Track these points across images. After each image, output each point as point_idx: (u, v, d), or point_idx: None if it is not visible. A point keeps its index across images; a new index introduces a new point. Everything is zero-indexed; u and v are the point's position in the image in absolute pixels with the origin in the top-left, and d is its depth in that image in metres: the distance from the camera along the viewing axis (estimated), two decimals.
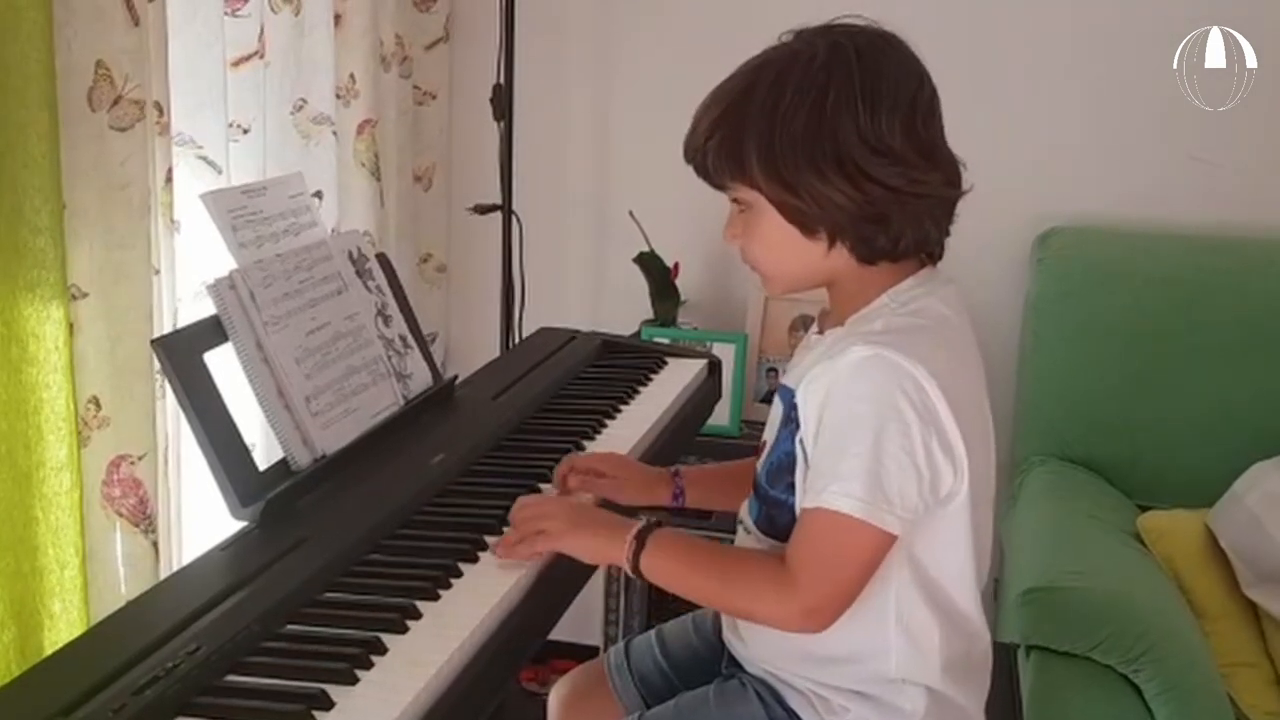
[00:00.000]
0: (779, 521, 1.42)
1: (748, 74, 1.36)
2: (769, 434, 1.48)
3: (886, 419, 1.28)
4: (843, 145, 1.30)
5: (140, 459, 1.74)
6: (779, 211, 1.35)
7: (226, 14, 2.04)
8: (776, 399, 1.48)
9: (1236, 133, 2.60)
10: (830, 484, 1.30)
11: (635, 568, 1.38)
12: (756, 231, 1.39)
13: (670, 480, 1.67)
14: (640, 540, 1.38)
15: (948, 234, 1.40)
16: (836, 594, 1.33)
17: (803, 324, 2.69)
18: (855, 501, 1.29)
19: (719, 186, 1.40)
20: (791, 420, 1.39)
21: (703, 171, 1.39)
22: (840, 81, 1.31)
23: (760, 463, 1.48)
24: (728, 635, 1.56)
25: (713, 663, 1.61)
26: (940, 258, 1.42)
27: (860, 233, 1.34)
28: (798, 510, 1.38)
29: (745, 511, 1.52)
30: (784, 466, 1.41)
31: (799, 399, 1.37)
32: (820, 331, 1.47)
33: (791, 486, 1.39)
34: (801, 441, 1.37)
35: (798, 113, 1.30)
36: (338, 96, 2.41)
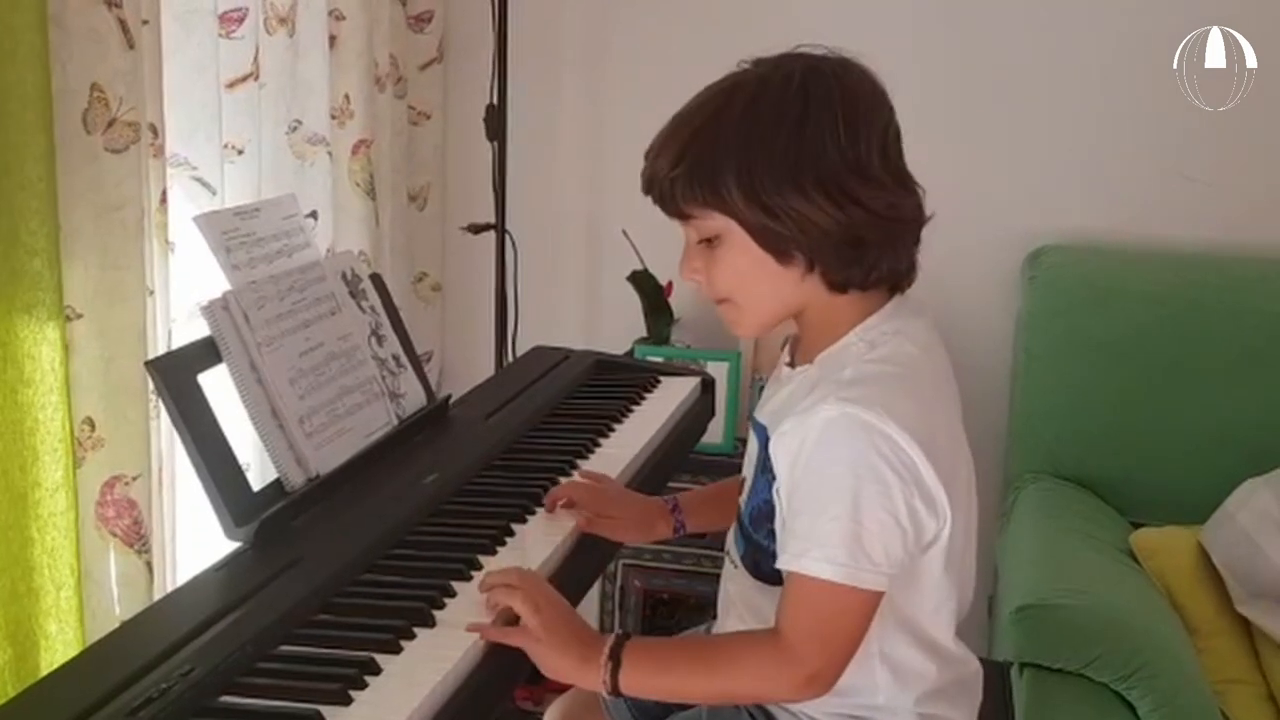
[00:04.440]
0: (763, 566, 1.40)
1: (715, 98, 1.33)
2: (747, 470, 1.47)
3: (864, 481, 1.26)
4: (824, 166, 1.28)
5: (134, 480, 1.75)
6: (753, 237, 1.31)
7: (221, 36, 2.05)
8: (752, 434, 1.46)
9: (1228, 152, 2.62)
10: (810, 549, 1.27)
11: (614, 689, 1.33)
12: (724, 262, 1.34)
13: (669, 515, 1.66)
14: (615, 658, 1.33)
15: (914, 262, 1.37)
16: (835, 657, 1.30)
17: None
18: (837, 567, 1.26)
19: (682, 217, 1.35)
20: (767, 468, 1.36)
21: (668, 201, 1.35)
22: (819, 101, 1.29)
23: (742, 500, 1.47)
24: None
25: None
26: (910, 285, 1.39)
27: (838, 256, 1.31)
28: (779, 557, 1.38)
29: (732, 543, 1.51)
30: (764, 514, 1.39)
31: (771, 450, 1.35)
32: (791, 363, 1.45)
33: (772, 533, 1.37)
34: (777, 492, 1.35)
35: (778, 134, 1.28)
36: (332, 117, 2.42)
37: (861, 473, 1.26)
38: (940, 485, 1.29)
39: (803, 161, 1.28)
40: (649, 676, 1.35)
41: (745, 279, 1.36)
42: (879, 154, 1.30)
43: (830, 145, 1.28)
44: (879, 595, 1.30)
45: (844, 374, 1.32)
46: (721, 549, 1.56)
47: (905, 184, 1.33)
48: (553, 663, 1.33)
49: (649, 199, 1.39)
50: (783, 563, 1.31)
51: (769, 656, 1.31)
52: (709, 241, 1.36)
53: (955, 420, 1.41)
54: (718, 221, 1.33)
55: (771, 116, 1.29)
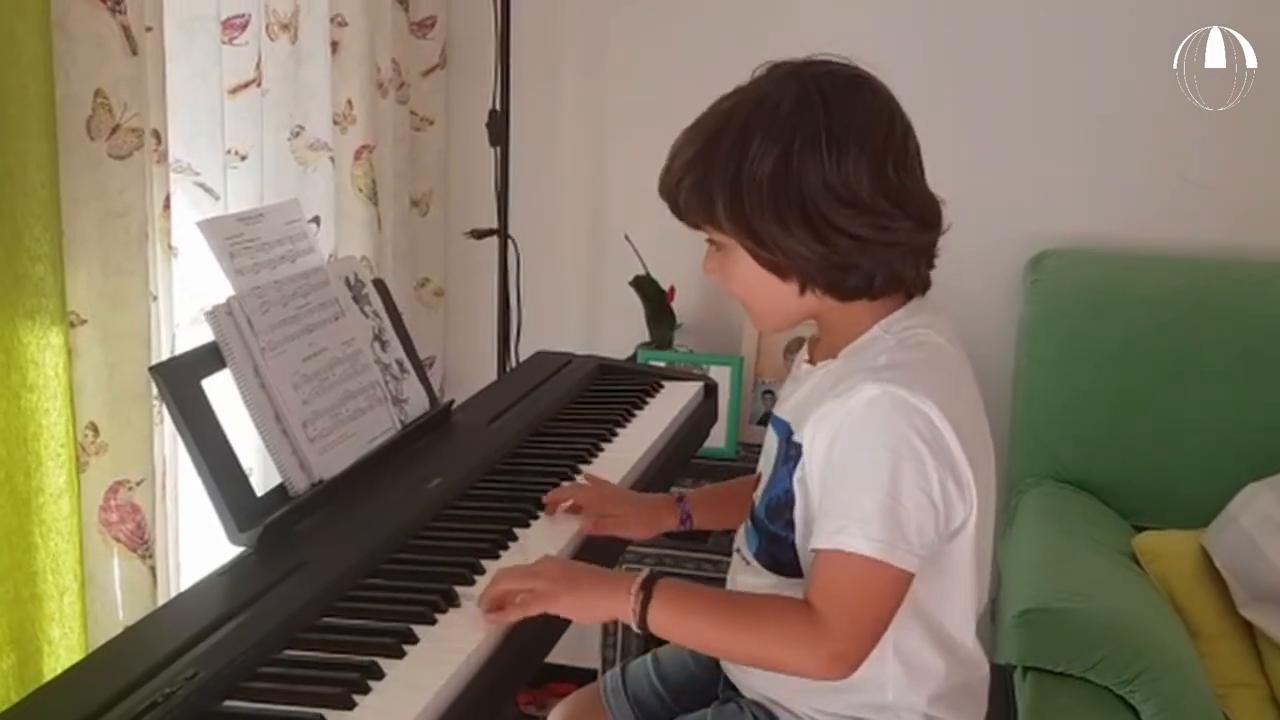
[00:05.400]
0: (780, 557, 1.42)
1: (719, 116, 1.35)
2: (764, 465, 1.48)
3: (902, 458, 1.27)
4: (808, 196, 1.29)
5: (138, 485, 1.75)
6: (751, 256, 1.35)
7: (224, 42, 2.05)
8: (771, 430, 1.47)
9: (1228, 155, 2.62)
10: (848, 525, 1.28)
11: (642, 621, 1.33)
12: (733, 271, 1.39)
13: (675, 506, 1.67)
14: (646, 591, 1.33)
15: (931, 268, 1.39)
16: (867, 636, 1.31)
17: (799, 347, 2.69)
18: (876, 543, 1.27)
19: (693, 225, 1.39)
20: (790, 457, 1.38)
21: (676, 210, 1.39)
22: (806, 130, 1.29)
23: (757, 495, 1.47)
24: (724, 661, 1.56)
25: (709, 687, 1.61)
26: (926, 289, 1.41)
27: (829, 279, 1.34)
28: (799, 547, 1.38)
29: (742, 540, 1.51)
30: (783, 504, 1.40)
31: (802, 437, 1.36)
32: (811, 360, 1.47)
33: (791, 524, 1.38)
34: (801, 481, 1.36)
35: (763, 162, 1.30)
36: (335, 123, 2.42)
37: (901, 450, 1.28)
38: (969, 468, 1.31)
39: (786, 194, 1.30)
40: (678, 617, 1.34)
41: (752, 289, 1.40)
42: (870, 177, 1.30)
43: (813, 176, 1.29)
44: (909, 577, 1.31)
45: (879, 360, 1.34)
46: (724, 554, 1.56)
47: (903, 204, 1.32)
48: (576, 603, 1.34)
49: (651, 204, 1.41)
50: (818, 541, 1.32)
51: (801, 626, 1.31)
52: (721, 247, 1.39)
53: (980, 414, 1.43)
54: (721, 235, 1.37)
55: (759, 146, 1.31)
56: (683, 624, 1.35)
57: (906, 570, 1.29)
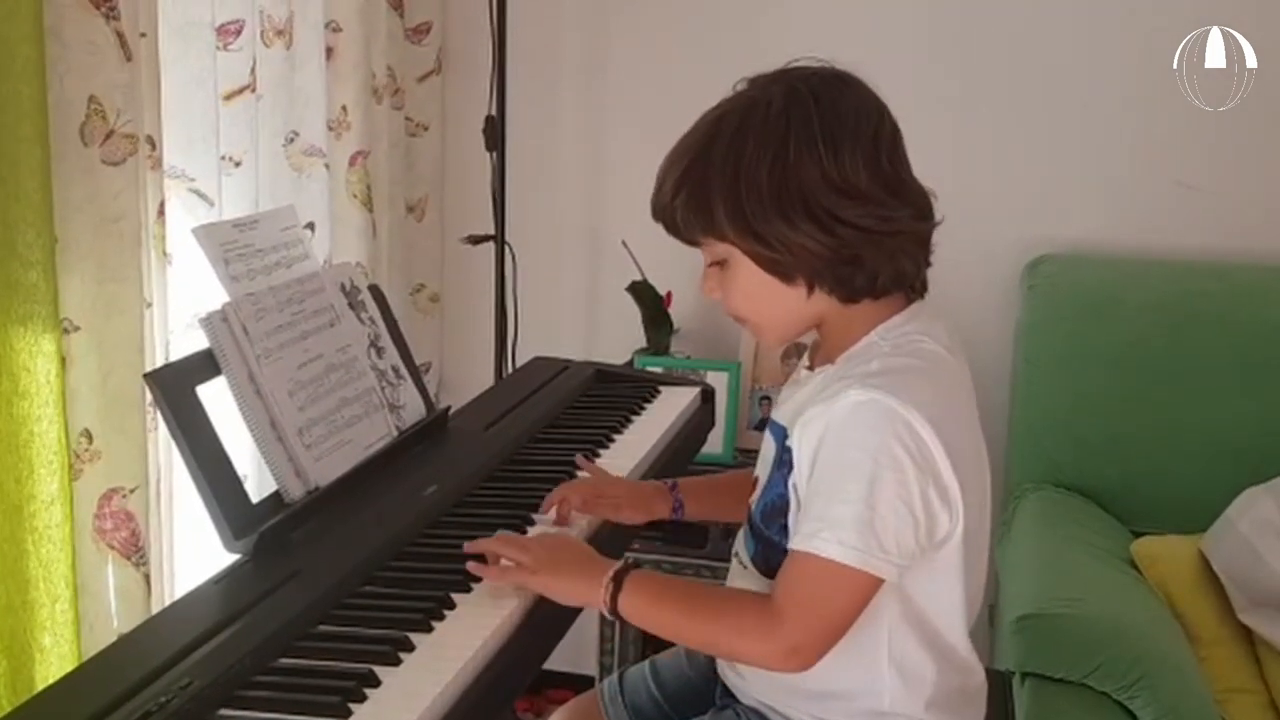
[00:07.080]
0: (774, 562, 1.40)
1: (706, 128, 1.35)
2: (761, 470, 1.48)
3: (882, 466, 1.27)
4: (809, 191, 1.29)
5: (132, 492, 1.74)
6: (754, 262, 1.34)
7: (219, 48, 2.05)
8: (768, 434, 1.47)
9: (1227, 160, 2.62)
10: (822, 529, 1.29)
11: (613, 609, 1.36)
12: (735, 284, 1.38)
13: (668, 494, 1.67)
14: (617, 582, 1.36)
15: (928, 264, 1.39)
16: (823, 634, 1.31)
17: (796, 352, 2.69)
18: (848, 549, 1.27)
19: (691, 242, 1.39)
20: (785, 462, 1.38)
21: (673, 228, 1.38)
22: (800, 127, 1.30)
23: (754, 500, 1.47)
24: (722, 667, 1.56)
25: (706, 694, 1.60)
26: (924, 291, 1.42)
27: (837, 275, 1.33)
28: (791, 539, 1.38)
29: (741, 544, 1.51)
30: (777, 509, 1.40)
31: (793, 441, 1.36)
32: (811, 366, 1.46)
33: (785, 529, 1.38)
34: (794, 486, 1.36)
35: (761, 163, 1.30)
36: (330, 129, 2.42)
37: (881, 459, 1.28)
38: (955, 479, 1.31)
39: (787, 191, 1.30)
40: (646, 604, 1.38)
41: (756, 300, 1.39)
42: (867, 169, 1.31)
43: (812, 171, 1.30)
44: (879, 583, 1.31)
45: (870, 366, 1.34)
46: (721, 559, 1.56)
47: (899, 193, 1.33)
48: (555, 587, 1.39)
49: (648, 210, 1.41)
50: (793, 542, 1.32)
51: (756, 619, 1.33)
52: (720, 264, 1.39)
53: (974, 424, 1.42)
54: (722, 247, 1.37)
55: (754, 148, 1.31)
56: (648, 611, 1.38)
57: (877, 577, 1.30)
